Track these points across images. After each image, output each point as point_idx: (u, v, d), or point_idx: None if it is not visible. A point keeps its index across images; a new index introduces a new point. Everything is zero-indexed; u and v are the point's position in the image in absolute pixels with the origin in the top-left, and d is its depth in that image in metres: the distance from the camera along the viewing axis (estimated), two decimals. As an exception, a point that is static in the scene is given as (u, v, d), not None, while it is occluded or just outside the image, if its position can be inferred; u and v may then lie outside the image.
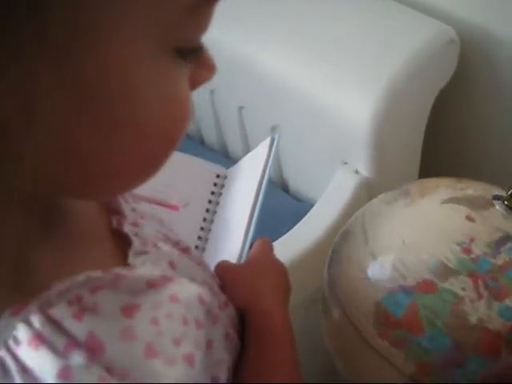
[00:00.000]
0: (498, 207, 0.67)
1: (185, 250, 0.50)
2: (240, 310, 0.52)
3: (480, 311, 0.62)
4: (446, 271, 0.63)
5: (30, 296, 0.35)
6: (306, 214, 1.04)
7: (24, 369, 0.34)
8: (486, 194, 0.68)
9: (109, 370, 0.35)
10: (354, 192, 1.00)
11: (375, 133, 1.00)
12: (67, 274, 0.36)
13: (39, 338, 0.34)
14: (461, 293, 0.62)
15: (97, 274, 0.37)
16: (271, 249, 0.61)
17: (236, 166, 0.84)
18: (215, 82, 1.35)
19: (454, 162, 1.25)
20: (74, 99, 0.32)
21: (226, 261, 0.59)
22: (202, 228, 0.76)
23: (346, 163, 1.04)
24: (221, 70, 1.35)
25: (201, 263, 0.52)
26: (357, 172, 1.03)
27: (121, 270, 0.39)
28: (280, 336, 0.50)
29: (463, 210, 0.66)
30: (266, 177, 0.73)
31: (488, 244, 0.64)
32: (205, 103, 1.27)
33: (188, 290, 0.41)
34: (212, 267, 0.62)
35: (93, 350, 0.35)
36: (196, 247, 0.75)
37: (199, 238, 0.76)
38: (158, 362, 0.36)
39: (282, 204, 1.16)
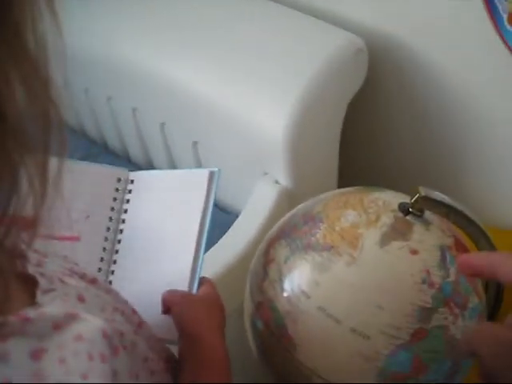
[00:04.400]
0: (409, 219, 0.69)
1: (92, 281, 0.52)
2: (189, 339, 0.61)
3: (460, 326, 0.66)
4: (428, 313, 0.65)
5: None
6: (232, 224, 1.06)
7: None
8: (397, 217, 0.70)
9: None
10: (275, 202, 1.03)
11: (290, 143, 1.02)
12: None
13: None
14: (445, 322, 0.65)
15: (8, 318, 0.39)
16: (216, 288, 0.68)
17: (150, 174, 0.81)
18: (137, 100, 1.35)
19: (370, 170, 1.29)
20: None
21: (177, 290, 0.66)
22: (106, 238, 0.73)
23: (266, 174, 1.07)
24: (142, 89, 1.37)
25: (110, 291, 0.55)
26: (277, 182, 1.06)
27: (29, 312, 0.40)
28: (224, 365, 0.61)
29: (404, 247, 0.66)
30: (211, 209, 0.72)
31: (438, 267, 0.66)
32: (128, 121, 1.28)
33: (91, 327, 0.43)
34: (132, 277, 0.68)
35: None
36: (101, 259, 0.73)
37: (104, 249, 0.73)
38: None
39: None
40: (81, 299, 0.47)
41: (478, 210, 0.78)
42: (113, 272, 0.72)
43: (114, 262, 0.73)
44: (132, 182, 0.76)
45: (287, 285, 0.69)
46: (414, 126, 1.17)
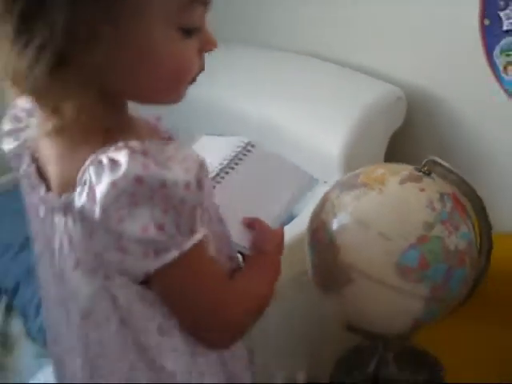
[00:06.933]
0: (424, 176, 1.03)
1: None
2: (259, 253, 0.85)
3: (454, 241, 0.97)
4: (430, 225, 0.96)
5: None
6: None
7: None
8: (412, 172, 1.05)
9: None
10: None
11: (345, 161, 1.39)
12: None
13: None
14: (441, 235, 0.96)
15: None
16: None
17: (269, 152, 1.00)
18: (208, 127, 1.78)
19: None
20: (128, 48, 0.64)
21: (264, 223, 0.89)
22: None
23: (325, 182, 1.42)
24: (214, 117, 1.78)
25: None
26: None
27: None
28: (278, 268, 0.87)
29: (415, 186, 1.00)
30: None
31: (438, 201, 0.98)
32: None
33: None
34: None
35: None
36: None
37: None
38: None
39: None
40: None
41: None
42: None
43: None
44: (253, 146, 0.99)
45: (337, 211, 1.02)
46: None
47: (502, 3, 1.27)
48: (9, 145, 0.79)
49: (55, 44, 0.61)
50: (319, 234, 1.04)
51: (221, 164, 0.96)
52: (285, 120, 1.48)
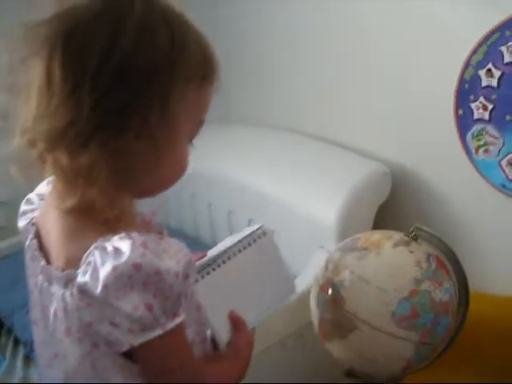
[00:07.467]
0: (412, 241, 1.24)
1: None
2: (233, 350, 0.93)
3: (438, 294, 1.17)
4: (419, 281, 1.16)
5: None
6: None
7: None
8: (402, 237, 1.25)
9: None
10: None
11: (339, 229, 1.59)
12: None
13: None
14: (429, 289, 1.16)
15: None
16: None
17: (275, 246, 1.03)
18: (235, 204, 2.02)
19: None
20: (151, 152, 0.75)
21: (245, 324, 0.95)
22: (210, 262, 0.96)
23: (322, 247, 1.62)
24: (223, 189, 2.06)
25: None
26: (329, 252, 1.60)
27: None
28: (242, 369, 0.93)
29: (406, 249, 1.20)
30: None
31: (425, 261, 1.19)
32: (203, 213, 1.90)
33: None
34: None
35: None
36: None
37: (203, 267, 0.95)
38: None
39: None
40: None
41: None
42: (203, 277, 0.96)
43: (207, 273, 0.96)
44: (264, 235, 1.01)
45: (341, 269, 1.21)
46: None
47: (472, 97, 1.51)
48: (21, 223, 0.91)
49: (118, 133, 0.73)
50: (326, 289, 1.23)
51: (230, 242, 1.01)
52: (285, 195, 1.69)
